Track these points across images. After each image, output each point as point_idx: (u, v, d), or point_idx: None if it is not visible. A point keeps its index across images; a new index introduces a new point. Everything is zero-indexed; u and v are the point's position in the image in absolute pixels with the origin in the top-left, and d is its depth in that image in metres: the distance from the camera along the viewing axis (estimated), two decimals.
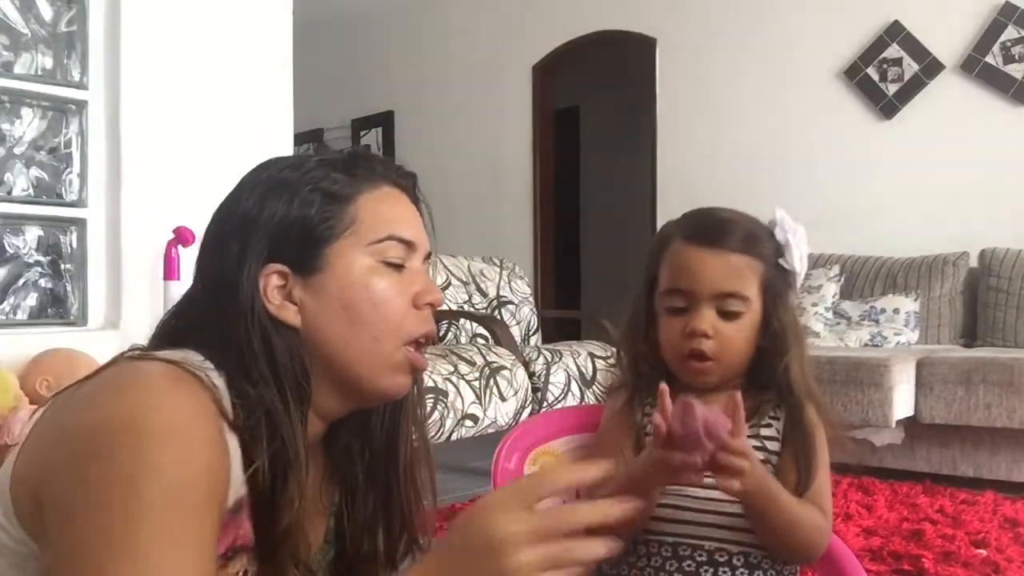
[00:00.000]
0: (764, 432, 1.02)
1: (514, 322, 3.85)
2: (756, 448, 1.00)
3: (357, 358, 0.80)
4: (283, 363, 0.76)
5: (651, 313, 1.06)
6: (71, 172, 2.24)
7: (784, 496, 0.93)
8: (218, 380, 0.73)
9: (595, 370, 3.30)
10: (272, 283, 0.78)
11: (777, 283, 1.02)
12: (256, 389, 0.74)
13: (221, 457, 0.69)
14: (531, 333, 3.98)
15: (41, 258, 2.21)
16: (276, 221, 0.79)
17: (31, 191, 2.18)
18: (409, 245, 0.86)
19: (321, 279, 0.79)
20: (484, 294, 3.86)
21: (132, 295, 2.28)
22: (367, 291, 0.81)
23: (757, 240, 1.02)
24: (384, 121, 6.06)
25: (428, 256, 0.90)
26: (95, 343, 2.02)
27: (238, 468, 0.72)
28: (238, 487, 0.72)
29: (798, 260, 1.02)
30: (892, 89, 4.04)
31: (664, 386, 0.88)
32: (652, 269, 1.06)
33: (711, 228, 1.01)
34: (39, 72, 2.19)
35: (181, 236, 2.27)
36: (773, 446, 1.01)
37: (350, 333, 0.80)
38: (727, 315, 0.99)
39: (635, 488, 0.92)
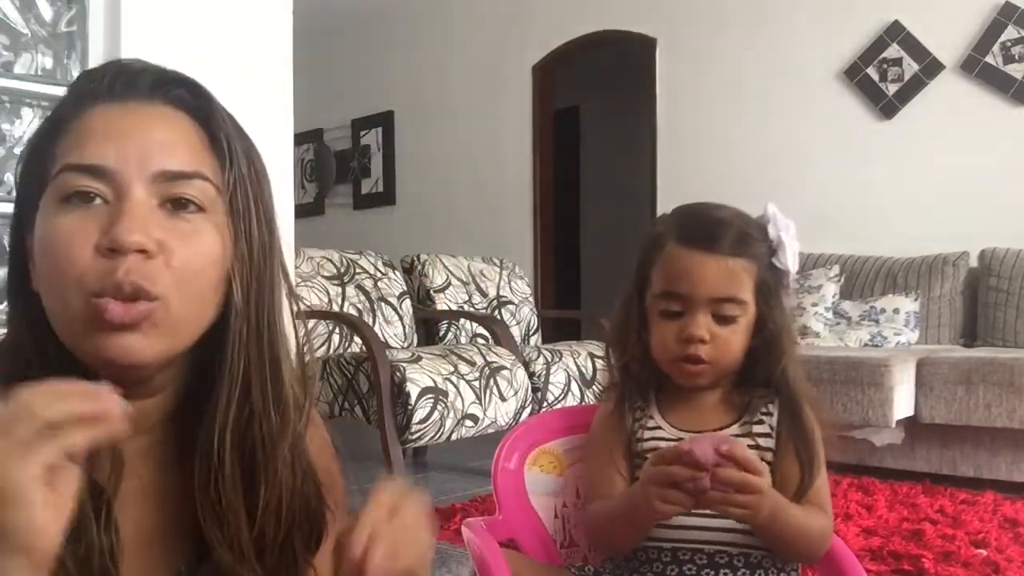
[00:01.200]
0: (756, 429, 1.02)
1: (514, 322, 3.85)
2: (749, 446, 1.00)
3: (53, 316, 0.67)
4: (32, 336, 0.68)
5: (642, 314, 1.05)
6: None
7: (791, 509, 0.93)
8: None
9: (595, 370, 3.30)
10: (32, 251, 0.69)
11: (771, 283, 1.02)
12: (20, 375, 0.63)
13: None
14: (531, 333, 3.98)
15: None
16: (17, 181, 0.72)
17: None
18: (92, 171, 0.65)
19: (36, 239, 0.68)
20: (484, 294, 3.86)
21: None
22: (43, 236, 0.66)
23: (751, 241, 1.01)
24: (384, 121, 6.06)
25: (175, 176, 0.67)
26: None
27: None
28: None
29: (791, 259, 1.01)
30: (892, 89, 4.04)
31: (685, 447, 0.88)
32: (644, 270, 1.04)
33: (706, 230, 1.00)
34: (39, 72, 2.19)
35: None
36: (766, 443, 1.01)
37: (43, 288, 0.67)
38: (723, 319, 0.99)
39: (636, 514, 0.92)
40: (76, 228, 0.65)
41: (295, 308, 0.77)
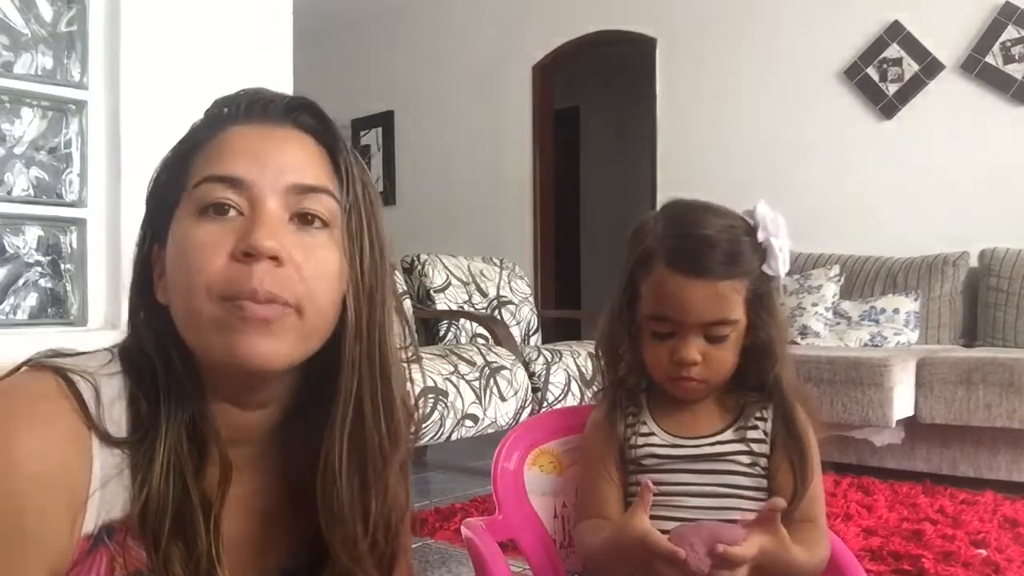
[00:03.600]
0: (751, 435, 1.01)
1: (514, 322, 3.85)
2: (743, 452, 1.00)
3: (182, 321, 0.70)
4: (156, 347, 0.72)
5: (633, 323, 1.03)
6: (71, 172, 2.24)
7: (791, 554, 0.91)
8: (110, 386, 0.69)
9: (595, 370, 3.30)
10: (160, 264, 0.74)
11: (761, 290, 1.00)
12: (145, 384, 0.70)
13: (54, 492, 0.64)
14: (531, 333, 3.98)
15: (41, 258, 2.21)
16: (148, 198, 0.77)
17: (31, 191, 2.18)
18: (231, 182, 0.70)
19: (168, 249, 0.72)
20: (484, 294, 3.86)
21: None
22: (178, 245, 0.70)
23: (741, 257, 0.98)
24: (384, 121, 6.06)
25: (306, 190, 0.72)
26: (95, 343, 2.02)
27: (115, 487, 0.67)
28: (108, 509, 0.67)
29: (781, 263, 0.99)
30: (892, 89, 4.04)
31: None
32: (633, 282, 1.02)
33: (694, 254, 0.97)
34: (39, 72, 2.19)
35: None
36: (760, 448, 1.00)
37: (174, 296, 0.71)
38: (714, 339, 0.98)
39: (626, 562, 0.92)
40: (213, 237, 0.69)
41: (405, 335, 0.81)
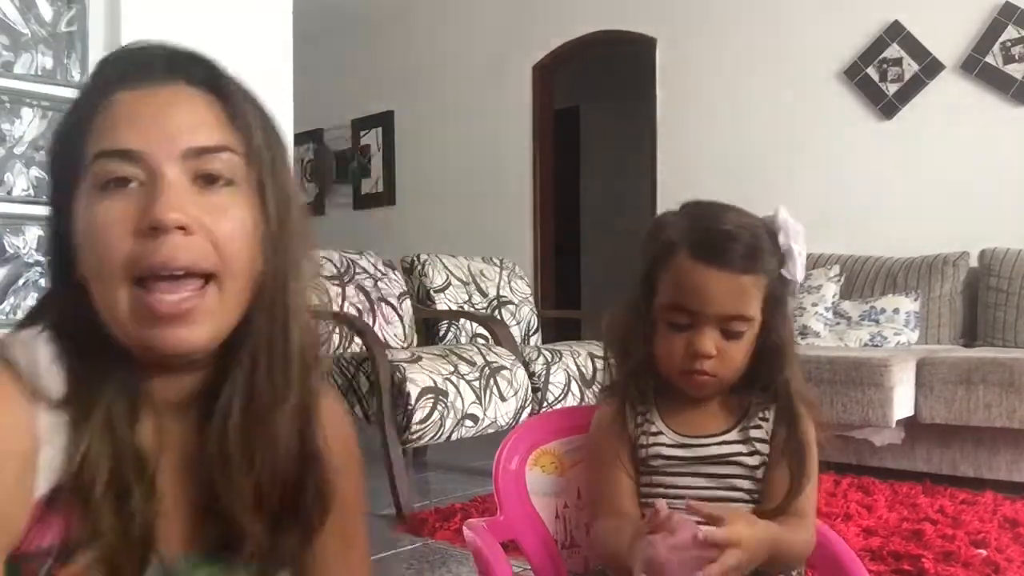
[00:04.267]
0: (754, 434, 1.02)
1: (514, 322, 3.85)
2: (748, 453, 1.01)
3: (101, 306, 0.68)
4: (81, 320, 0.70)
5: (648, 319, 1.03)
6: None
7: (773, 533, 0.92)
8: (44, 352, 0.68)
9: (595, 370, 3.30)
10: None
11: (778, 293, 1.01)
12: (76, 349, 0.69)
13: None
14: (531, 333, 3.98)
15: (41, 258, 2.21)
16: (49, 171, 0.74)
17: (31, 191, 2.18)
18: (124, 155, 0.67)
19: (76, 226, 0.70)
20: (484, 294, 3.86)
21: None
22: (83, 224, 0.68)
23: (762, 255, 0.99)
24: (384, 121, 6.06)
25: (202, 152, 0.69)
26: None
27: (59, 448, 0.67)
28: (55, 471, 0.67)
29: (799, 269, 1.01)
30: (892, 89, 4.04)
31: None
32: (652, 275, 1.02)
33: (719, 245, 0.98)
34: (39, 72, 2.19)
35: None
36: (763, 448, 1.01)
37: (89, 277, 0.68)
38: (731, 334, 0.98)
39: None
40: (115, 214, 0.66)
41: (313, 275, 0.78)
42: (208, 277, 0.68)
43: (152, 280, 0.66)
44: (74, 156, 0.70)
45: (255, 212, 0.71)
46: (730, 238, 0.98)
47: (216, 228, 0.68)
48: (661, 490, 1.01)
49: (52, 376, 0.68)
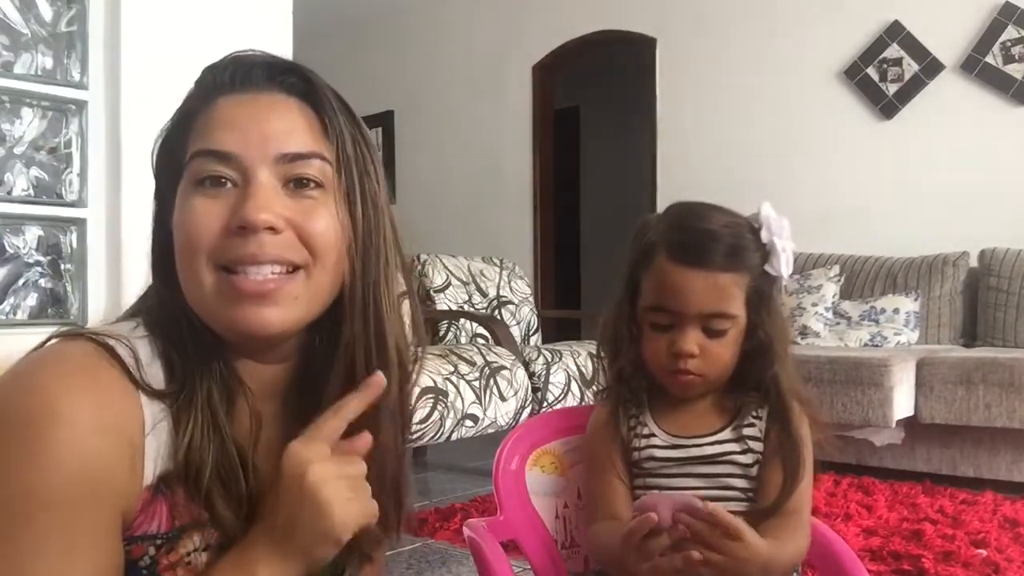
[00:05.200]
0: (747, 432, 1.01)
1: (514, 322, 3.85)
2: (741, 451, 1.01)
3: (187, 290, 0.72)
4: (178, 312, 0.74)
5: (634, 320, 1.04)
6: (71, 172, 2.24)
7: (769, 552, 0.90)
8: (144, 347, 0.72)
9: (595, 370, 3.30)
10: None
11: (763, 290, 1.01)
12: (174, 344, 0.73)
13: (116, 441, 0.66)
14: (531, 333, 3.98)
15: (41, 258, 2.21)
16: (154, 171, 0.78)
17: (31, 191, 2.18)
18: (221, 156, 0.71)
19: (174, 220, 0.74)
20: (484, 294, 3.86)
21: (132, 295, 2.27)
22: (179, 216, 0.72)
23: (743, 252, 0.99)
24: (384, 121, 6.06)
25: (294, 158, 0.73)
26: None
27: (163, 439, 0.70)
28: (165, 459, 0.70)
29: (784, 264, 1.00)
30: (892, 89, 4.04)
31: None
32: (634, 277, 1.03)
33: (696, 245, 0.98)
34: (39, 72, 2.19)
35: None
36: (756, 446, 1.01)
37: (179, 266, 0.73)
38: (713, 332, 0.98)
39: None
40: (208, 208, 0.70)
41: (408, 285, 0.82)
42: (297, 268, 0.72)
43: (238, 264, 0.70)
44: (176, 154, 0.74)
45: (344, 218, 0.74)
46: (707, 237, 0.98)
47: (306, 225, 0.72)
48: (655, 492, 1.01)
49: (155, 369, 0.71)
